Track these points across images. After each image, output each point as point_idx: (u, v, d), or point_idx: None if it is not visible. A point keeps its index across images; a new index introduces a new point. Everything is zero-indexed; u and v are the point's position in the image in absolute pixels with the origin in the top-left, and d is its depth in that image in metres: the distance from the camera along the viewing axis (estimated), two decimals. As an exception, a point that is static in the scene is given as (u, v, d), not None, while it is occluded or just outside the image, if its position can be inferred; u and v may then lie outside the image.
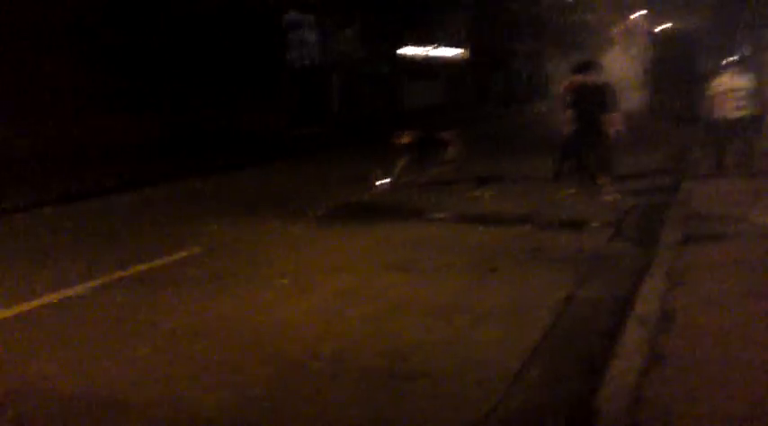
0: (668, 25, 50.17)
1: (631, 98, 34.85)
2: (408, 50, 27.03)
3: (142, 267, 7.07)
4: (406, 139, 11.72)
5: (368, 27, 23.54)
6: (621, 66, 56.07)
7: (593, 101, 10.23)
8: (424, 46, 28.02)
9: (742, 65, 11.88)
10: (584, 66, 10.95)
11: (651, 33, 36.10)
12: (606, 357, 4.60)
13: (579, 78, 10.72)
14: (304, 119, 20.64)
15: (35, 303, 5.97)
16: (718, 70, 12.15)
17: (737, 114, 10.96)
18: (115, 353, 4.89)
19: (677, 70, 27.17)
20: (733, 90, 10.97)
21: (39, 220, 9.47)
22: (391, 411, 4.04)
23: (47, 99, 13.27)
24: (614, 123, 10.23)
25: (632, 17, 58.92)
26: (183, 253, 7.58)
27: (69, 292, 6.27)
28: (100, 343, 5.08)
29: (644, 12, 58.57)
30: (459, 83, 31.09)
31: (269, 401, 4.16)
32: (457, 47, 30.99)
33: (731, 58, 12.58)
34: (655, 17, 58.53)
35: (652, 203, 9.93)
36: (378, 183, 11.47)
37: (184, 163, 14.13)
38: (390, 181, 11.53)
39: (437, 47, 30.00)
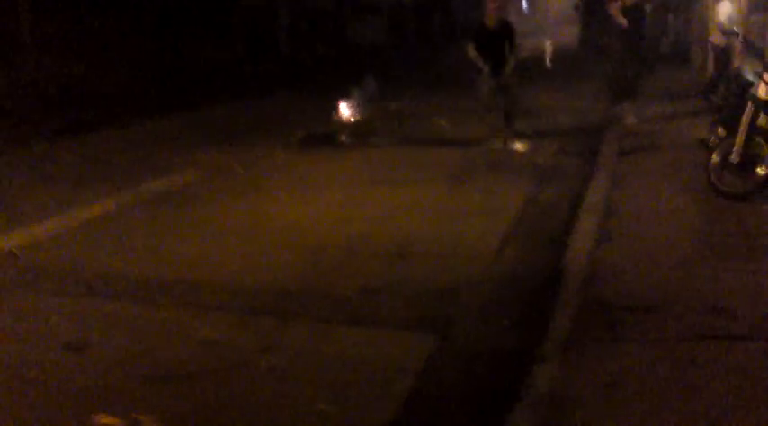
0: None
1: (564, 33, 36.13)
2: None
3: (154, 188, 7.98)
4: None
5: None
6: (554, 2, 57.25)
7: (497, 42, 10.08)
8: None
9: None
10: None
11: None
12: (565, 236, 5.85)
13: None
14: (254, 57, 21.25)
15: (77, 216, 6.87)
16: None
17: None
18: (169, 250, 5.90)
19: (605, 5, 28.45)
20: None
21: (40, 154, 10.18)
22: (402, 278, 5.19)
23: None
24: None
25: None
26: (188, 176, 8.49)
27: (97, 209, 7.16)
28: (154, 242, 6.08)
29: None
30: (401, 22, 31.82)
31: (300, 277, 5.26)
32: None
33: None
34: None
35: (588, 125, 11.21)
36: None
37: (150, 102, 14.70)
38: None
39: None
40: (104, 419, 3.44)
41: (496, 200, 7.20)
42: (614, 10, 10.86)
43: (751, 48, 8.25)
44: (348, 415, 3.47)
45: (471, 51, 10.21)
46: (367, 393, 3.65)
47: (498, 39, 10.01)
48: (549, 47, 29.08)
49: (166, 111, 13.89)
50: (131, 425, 3.39)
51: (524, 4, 57.09)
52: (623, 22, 10.83)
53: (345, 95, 13.84)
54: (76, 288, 5.09)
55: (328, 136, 11.36)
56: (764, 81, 6.59)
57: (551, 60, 24.58)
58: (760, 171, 6.50)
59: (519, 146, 10.01)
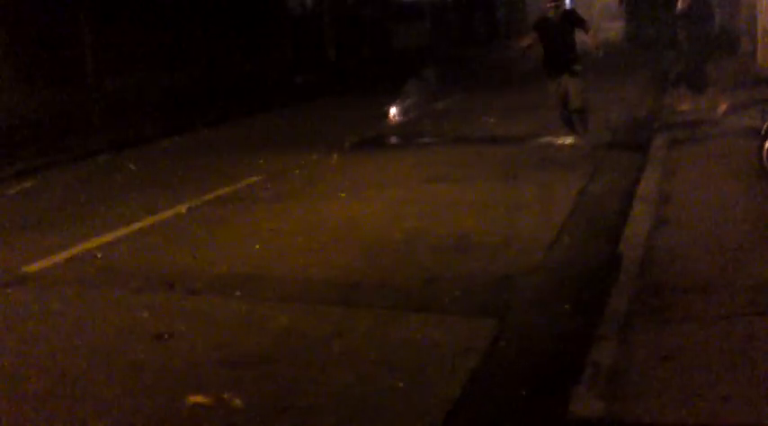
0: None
1: (609, 27, 35.86)
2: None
3: (219, 192, 8.33)
4: None
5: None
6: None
7: (560, 32, 9.38)
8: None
9: None
10: None
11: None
12: (620, 225, 6.01)
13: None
14: (302, 66, 21.67)
15: (150, 220, 7.25)
16: None
17: None
18: (237, 247, 6.24)
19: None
20: None
21: (106, 164, 10.67)
22: (461, 269, 5.43)
23: (71, 60, 14.21)
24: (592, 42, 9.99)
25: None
26: (247, 181, 8.83)
27: (169, 213, 7.54)
28: (223, 242, 6.43)
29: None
30: (443, 24, 32.02)
31: (362, 270, 5.52)
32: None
33: None
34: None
35: (640, 117, 11.29)
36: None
37: (198, 113, 15.14)
38: None
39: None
40: (197, 398, 3.74)
41: (548, 193, 7.38)
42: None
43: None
44: (420, 392, 3.71)
45: (524, 41, 10.08)
46: (436, 372, 3.89)
47: (564, 31, 9.34)
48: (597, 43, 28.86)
49: (221, 121, 14.35)
50: (220, 404, 3.68)
51: (568, 2, 56.72)
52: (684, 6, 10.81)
53: (393, 98, 14.16)
54: (158, 285, 5.43)
55: (379, 138, 11.64)
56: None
57: (598, 56, 24.43)
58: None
59: (570, 140, 10.10)
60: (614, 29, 32.34)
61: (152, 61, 16.08)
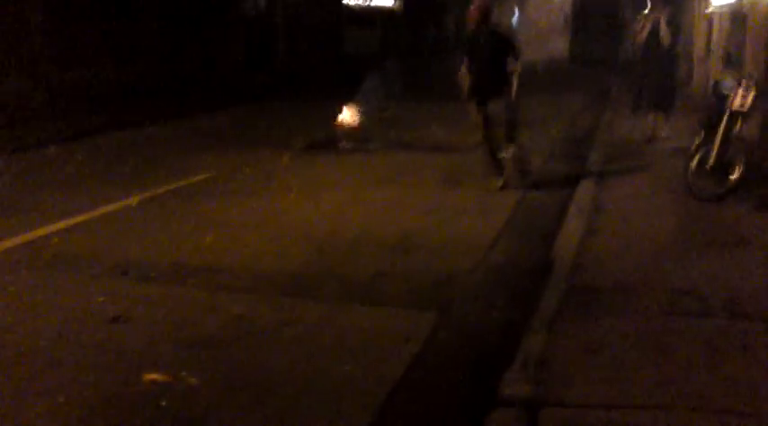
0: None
1: (554, 47, 36.87)
2: (348, 0, 28.35)
3: (170, 187, 8.49)
4: None
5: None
6: (545, 14, 57.95)
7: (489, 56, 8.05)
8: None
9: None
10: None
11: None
12: (555, 231, 6.41)
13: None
14: (253, 67, 21.84)
15: (102, 210, 7.39)
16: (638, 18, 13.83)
17: None
18: (193, 238, 6.44)
19: (597, 20, 29.30)
20: None
21: (57, 155, 10.69)
22: (405, 266, 5.75)
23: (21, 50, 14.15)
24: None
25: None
26: (201, 176, 9.01)
27: (120, 204, 7.68)
28: (175, 234, 6.62)
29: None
30: (394, 33, 32.49)
31: (312, 264, 5.80)
32: (392, -2, 32.36)
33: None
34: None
35: (578, 132, 11.82)
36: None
37: (148, 108, 15.22)
38: None
39: (372, -1, 31.30)
40: (153, 376, 3.96)
41: (490, 200, 7.77)
42: (663, 25, 9.68)
43: (728, 64, 8.85)
44: (364, 374, 4.00)
45: (462, 74, 8.28)
46: (380, 357, 4.19)
47: (490, 53, 8.00)
48: (539, 59, 29.74)
49: (171, 116, 14.44)
50: (177, 382, 3.91)
51: (515, 18, 57.94)
52: (667, 39, 9.65)
53: (342, 103, 14.47)
54: (112, 272, 5.61)
55: (328, 141, 11.91)
56: (738, 93, 7.20)
57: (542, 72, 25.20)
58: (733, 175, 7.09)
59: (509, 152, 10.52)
60: (559, 47, 33.29)
61: (103, 54, 16.07)
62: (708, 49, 13.51)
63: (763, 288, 4.87)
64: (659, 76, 9.92)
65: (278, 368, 4.07)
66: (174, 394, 3.80)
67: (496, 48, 8.05)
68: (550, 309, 4.67)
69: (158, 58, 17.73)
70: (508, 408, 3.53)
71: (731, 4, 11.90)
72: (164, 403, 3.70)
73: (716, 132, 7.30)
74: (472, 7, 8.18)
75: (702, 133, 7.60)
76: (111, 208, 7.54)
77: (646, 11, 12.20)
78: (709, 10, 15.03)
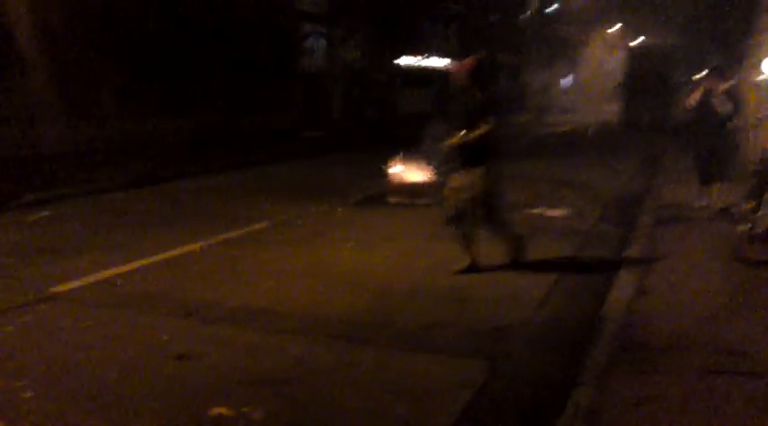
0: (641, 40, 52.73)
1: (606, 110, 36.97)
2: (403, 60, 29.06)
3: (231, 234, 8.84)
4: None
5: (368, 38, 25.61)
6: (598, 79, 58.42)
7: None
8: (418, 56, 30.06)
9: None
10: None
11: (626, 48, 38.33)
12: (605, 291, 6.53)
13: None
14: (310, 122, 22.50)
15: (167, 254, 7.75)
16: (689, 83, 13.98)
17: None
18: (250, 285, 6.72)
19: (649, 84, 29.50)
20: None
21: (123, 200, 11.19)
22: (459, 317, 5.92)
23: (93, 103, 14.97)
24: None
25: (609, 31, 61.31)
26: (258, 225, 9.36)
27: (184, 249, 8.03)
28: (236, 278, 6.91)
29: (619, 26, 61.19)
30: (447, 92, 33.11)
31: (367, 312, 6.01)
32: (446, 57, 33.04)
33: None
34: (630, 31, 61.23)
35: (629, 195, 11.93)
36: None
37: (210, 158, 15.84)
38: None
39: (427, 57, 32.00)
40: (219, 409, 4.19)
41: (541, 258, 7.90)
42: (721, 91, 9.53)
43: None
44: (420, 418, 4.17)
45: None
46: (434, 402, 4.36)
47: (471, 119, 6.96)
48: (591, 123, 29.99)
49: (231, 167, 14.97)
50: (241, 416, 4.13)
51: (565, 82, 58.49)
52: (723, 109, 9.49)
53: (394, 158, 14.77)
54: (176, 313, 5.90)
55: (383, 196, 12.21)
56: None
57: (593, 135, 25.40)
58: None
59: (559, 212, 10.71)
60: (611, 111, 33.45)
61: (170, 107, 16.83)
62: (759, 118, 13.57)
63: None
64: (713, 145, 9.77)
65: (337, 407, 4.27)
66: (239, 427, 4.02)
67: (473, 113, 7.00)
68: (600, 364, 4.79)
69: (221, 111, 18.43)
70: (558, 454, 3.66)
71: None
72: (229, 436, 3.92)
73: (765, 198, 7.40)
74: (459, 66, 7.17)
75: (753, 200, 7.70)
76: (175, 252, 7.89)
77: (698, 76, 12.24)
78: (760, 78, 15.13)
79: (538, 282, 6.94)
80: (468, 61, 7.08)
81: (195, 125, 17.36)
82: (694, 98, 9.77)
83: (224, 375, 4.70)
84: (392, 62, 28.12)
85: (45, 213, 10.00)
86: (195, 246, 8.13)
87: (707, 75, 9.99)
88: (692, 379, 4.49)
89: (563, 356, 5.15)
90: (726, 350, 4.94)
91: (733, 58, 23.79)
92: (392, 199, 12.01)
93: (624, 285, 6.63)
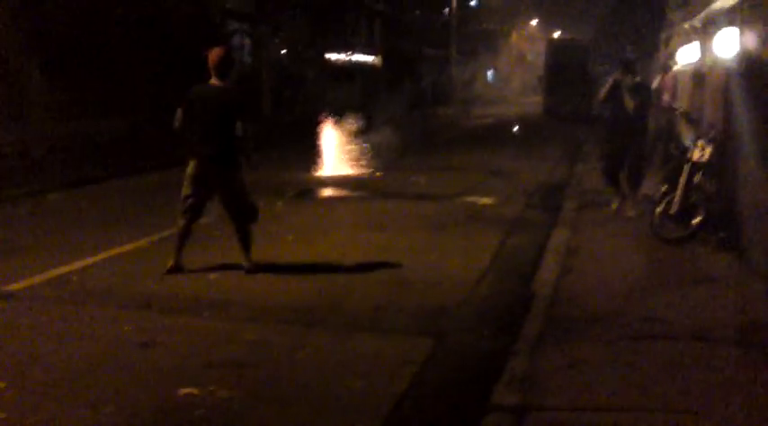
0: (560, 34, 54.26)
1: (529, 101, 38.01)
2: (330, 56, 29.41)
3: (174, 230, 9.00)
4: None
5: (294, 35, 25.87)
6: (520, 72, 59.81)
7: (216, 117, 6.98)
8: (344, 52, 30.44)
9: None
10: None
11: (545, 42, 39.50)
12: (534, 271, 7.07)
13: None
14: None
15: (115, 250, 7.95)
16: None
17: None
18: (200, 277, 7.00)
19: (568, 76, 30.65)
20: None
21: (61, 201, 11.24)
22: (401, 300, 6.35)
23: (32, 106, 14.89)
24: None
25: (529, 24, 62.83)
26: (203, 221, 9.54)
27: (131, 246, 8.25)
28: (186, 271, 7.15)
29: (537, 20, 62.79)
30: (373, 86, 33.59)
31: (315, 298, 6.38)
32: (371, 53, 33.55)
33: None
34: (549, 25, 62.96)
35: (553, 182, 12.61)
36: None
37: (141, 157, 15.87)
38: None
39: (353, 53, 32.43)
40: (187, 390, 4.52)
41: (473, 244, 8.43)
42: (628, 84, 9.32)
43: (689, 121, 9.67)
44: (371, 390, 4.58)
45: (177, 122, 7.29)
46: (384, 376, 4.78)
47: (219, 109, 6.93)
48: (515, 114, 30.95)
49: (163, 166, 15.05)
50: (208, 394, 4.47)
51: (489, 74, 59.76)
52: (630, 105, 9.20)
53: (325, 153, 15.19)
54: (134, 304, 6.17)
55: (317, 190, 12.58)
56: (698, 147, 7.99)
57: (518, 126, 26.25)
58: (694, 221, 7.84)
59: (490, 200, 11.29)
60: (533, 102, 34.52)
61: (100, 108, 16.79)
62: (674, 108, 14.43)
63: (719, 315, 5.55)
64: (627, 147, 9.34)
65: (295, 385, 4.65)
66: (207, 405, 4.35)
67: (225, 108, 6.99)
68: (531, 336, 5.30)
69: (151, 110, 18.44)
70: (498, 413, 4.13)
71: (694, 64, 12.85)
72: (199, 413, 4.25)
73: (678, 181, 8.04)
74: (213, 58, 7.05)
75: (667, 183, 8.35)
76: (122, 249, 8.10)
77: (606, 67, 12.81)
78: (675, 68, 16.06)
79: (471, 266, 7.44)
80: (219, 49, 7.14)
81: (125, 124, 17.34)
82: (604, 92, 9.70)
83: (187, 360, 5.01)
84: (318, 58, 28.45)
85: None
86: (142, 242, 8.35)
87: (617, 69, 9.74)
88: (615, 344, 5.03)
89: (499, 331, 5.64)
90: (645, 319, 5.51)
91: (645, 52, 24.97)
92: (327, 194, 12.40)
93: (551, 265, 7.18)
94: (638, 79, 9.64)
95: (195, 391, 4.50)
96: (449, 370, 4.95)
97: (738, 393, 4.23)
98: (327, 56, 29.48)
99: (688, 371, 4.54)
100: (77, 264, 7.40)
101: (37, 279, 6.88)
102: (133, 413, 4.23)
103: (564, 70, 30.91)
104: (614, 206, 9.72)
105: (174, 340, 5.37)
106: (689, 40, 13.06)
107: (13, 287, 6.60)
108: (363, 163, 15.34)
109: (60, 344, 5.30)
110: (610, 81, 9.58)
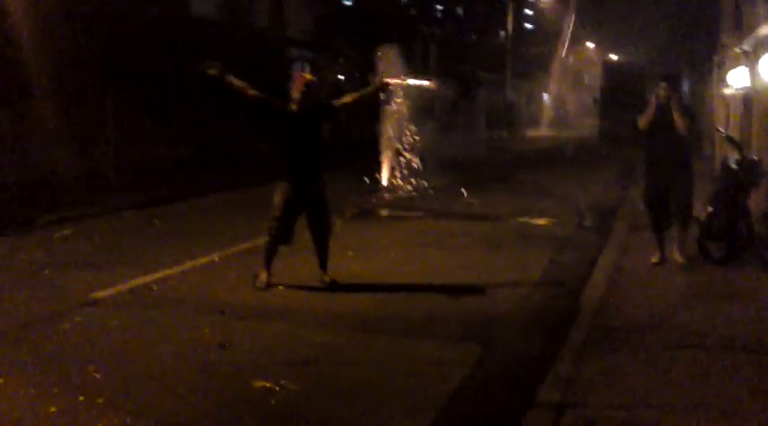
0: (616, 57, 54.15)
1: (584, 124, 38.00)
2: (387, 80, 30.08)
3: (242, 247, 9.65)
4: None
5: (352, 62, 26.65)
6: (576, 94, 59.71)
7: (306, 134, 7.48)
8: (400, 77, 31.10)
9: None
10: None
11: (601, 65, 39.62)
12: (581, 286, 7.46)
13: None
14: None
15: (189, 264, 8.59)
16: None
17: None
18: (268, 288, 7.54)
19: (624, 99, 30.73)
20: None
21: (135, 219, 12.02)
22: (455, 310, 6.83)
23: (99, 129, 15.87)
24: None
25: (586, 47, 62.76)
26: (263, 239, 10.18)
27: (204, 260, 8.87)
28: (252, 284, 7.72)
29: (594, 44, 62.71)
30: (429, 110, 34.15)
31: (375, 308, 6.89)
32: (427, 77, 34.12)
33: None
34: (606, 49, 62.86)
35: (606, 204, 12.95)
36: None
37: (215, 179, 16.73)
38: None
39: (408, 77, 33.07)
40: (262, 383, 5.06)
41: (525, 261, 8.85)
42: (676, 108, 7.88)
43: (732, 143, 9.91)
44: (425, 388, 5.05)
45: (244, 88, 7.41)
46: (436, 376, 5.25)
47: (308, 131, 7.40)
48: (570, 137, 31.14)
49: (231, 187, 15.87)
50: (280, 387, 5.00)
51: (545, 97, 59.84)
52: (683, 125, 7.82)
53: (381, 173, 15.76)
54: (210, 311, 6.76)
55: (375, 209, 13.14)
56: (742, 169, 8.29)
57: (572, 149, 26.51)
58: (738, 241, 8.13)
59: (543, 221, 11.69)
60: (589, 125, 34.60)
61: (165, 136, 17.76)
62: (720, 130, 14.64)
63: (750, 328, 5.89)
64: (673, 181, 8.00)
65: (357, 381, 5.15)
66: (280, 396, 4.88)
67: (315, 124, 7.48)
68: (577, 344, 5.71)
69: (213, 138, 19.35)
70: (541, 409, 4.57)
71: (744, 88, 13.09)
72: (273, 402, 4.79)
73: (725, 203, 8.32)
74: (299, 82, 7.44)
75: (712, 204, 8.63)
76: (195, 263, 8.74)
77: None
78: (727, 91, 16.25)
79: (522, 280, 7.87)
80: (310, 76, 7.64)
81: (197, 148, 18.26)
82: (648, 117, 8.04)
83: (259, 358, 5.56)
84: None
85: (66, 231, 10.78)
86: (214, 257, 8.98)
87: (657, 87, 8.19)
88: (652, 352, 5.42)
89: (546, 339, 6.06)
90: (682, 330, 5.88)
91: (700, 75, 25.02)
92: (384, 213, 12.94)
93: (598, 282, 7.56)
94: (684, 99, 9.46)
95: (268, 384, 5.03)
96: (497, 373, 5.39)
97: (764, 397, 4.58)
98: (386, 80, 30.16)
99: (718, 377, 4.90)
100: (155, 276, 8.05)
101: (119, 288, 7.53)
102: (218, 402, 4.78)
103: (620, 93, 31.01)
104: (654, 260, 8.19)
105: (247, 341, 5.93)
106: (739, 64, 13.31)
107: (98, 295, 7.25)
108: (418, 183, 15.83)
109: (146, 344, 5.91)
110: (652, 102, 8.04)
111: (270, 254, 7.61)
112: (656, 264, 8.16)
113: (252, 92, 7.40)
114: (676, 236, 8.25)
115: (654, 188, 8.25)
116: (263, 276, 7.57)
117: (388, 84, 7.90)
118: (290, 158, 7.36)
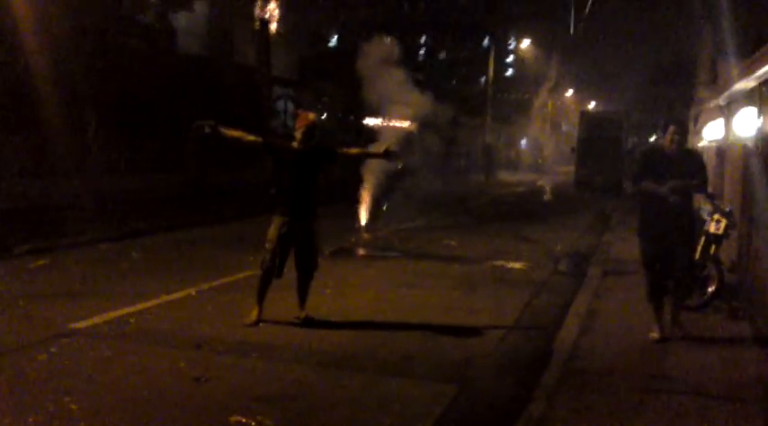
0: (593, 105, 55.12)
1: (561, 171, 38.49)
2: (369, 121, 30.40)
3: (221, 281, 9.71)
4: None
5: (335, 101, 26.97)
6: (553, 142, 60.55)
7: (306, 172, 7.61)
8: (381, 118, 31.42)
9: None
10: None
11: (579, 113, 40.27)
12: (556, 330, 7.58)
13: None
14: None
15: (166, 298, 8.60)
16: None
17: None
18: (245, 323, 7.59)
19: (601, 148, 31.25)
20: None
21: (112, 251, 12.00)
22: (431, 350, 6.90)
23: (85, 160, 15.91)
24: None
25: (564, 96, 63.84)
26: (243, 274, 10.22)
27: (181, 294, 8.89)
28: (231, 319, 7.76)
29: (572, 91, 63.83)
30: (409, 152, 34.48)
31: (352, 346, 6.95)
32: (407, 119, 34.55)
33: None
34: (583, 96, 63.98)
35: (580, 250, 13.13)
36: None
37: (193, 212, 16.77)
38: None
39: (391, 119, 33.42)
40: (237, 418, 5.09)
41: (501, 303, 8.96)
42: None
43: (707, 195, 10.15)
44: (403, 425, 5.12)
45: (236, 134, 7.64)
46: (410, 415, 5.32)
47: (308, 170, 7.52)
48: (546, 184, 31.55)
49: (212, 221, 15.91)
50: (255, 423, 5.03)
51: (523, 143, 60.62)
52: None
53: (359, 214, 15.88)
54: (187, 345, 6.78)
55: (353, 248, 13.23)
56: (714, 220, 8.50)
57: (549, 196, 26.85)
58: (710, 289, 8.31)
59: (518, 265, 11.83)
60: (566, 171, 35.08)
61: (147, 166, 17.79)
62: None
63: (718, 375, 6.02)
64: (675, 247, 6.99)
65: (332, 418, 5.20)
66: (255, 431, 4.92)
67: (314, 162, 7.55)
68: (549, 386, 5.80)
69: (200, 168, 19.41)
70: (514, 449, 4.64)
71: (717, 141, 13.44)
72: (248, 438, 4.82)
73: (699, 253, 8.50)
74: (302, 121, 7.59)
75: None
76: (172, 296, 8.75)
77: (653, 139, 11.43)
78: (701, 144, 16.65)
79: (497, 323, 7.97)
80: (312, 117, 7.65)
81: (176, 181, 18.32)
82: (642, 168, 7.11)
83: (236, 393, 5.59)
84: (356, 123, 29.47)
85: (43, 262, 10.75)
86: (191, 291, 9.00)
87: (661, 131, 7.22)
88: (623, 395, 5.53)
89: (519, 381, 6.15)
90: (652, 375, 6.00)
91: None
92: (363, 252, 13.03)
93: (572, 325, 7.68)
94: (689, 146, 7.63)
95: (244, 420, 5.07)
96: (471, 413, 5.47)
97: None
98: (365, 121, 30.49)
99: (684, 420, 5.02)
100: (132, 308, 8.05)
101: (96, 320, 7.52)
102: (191, 435, 4.80)
103: (596, 142, 31.52)
104: (653, 335, 7.11)
105: (224, 376, 5.96)
106: (714, 118, 13.68)
107: (74, 326, 7.25)
108: (396, 224, 16.00)
109: (121, 376, 5.91)
110: (649, 149, 7.26)
111: (262, 289, 7.67)
112: (658, 342, 7.02)
113: (249, 138, 7.64)
114: (673, 310, 7.26)
115: (654, 248, 7.05)
116: (254, 313, 7.62)
117: (396, 153, 7.99)
118: (288, 195, 7.52)
